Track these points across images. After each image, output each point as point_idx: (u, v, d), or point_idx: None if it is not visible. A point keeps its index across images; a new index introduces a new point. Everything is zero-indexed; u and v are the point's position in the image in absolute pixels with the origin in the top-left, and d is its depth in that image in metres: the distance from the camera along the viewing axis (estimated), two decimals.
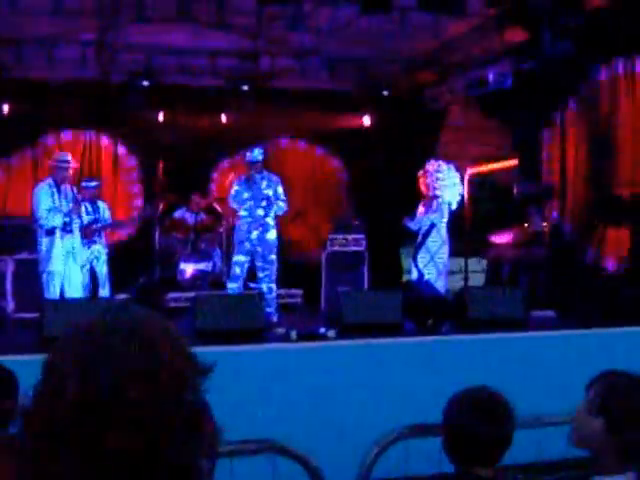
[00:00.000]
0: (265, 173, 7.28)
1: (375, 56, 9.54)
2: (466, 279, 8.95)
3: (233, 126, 10.03)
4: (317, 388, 5.16)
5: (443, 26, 7.85)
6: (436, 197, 7.44)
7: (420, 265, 7.42)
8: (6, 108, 9.04)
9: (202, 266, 8.63)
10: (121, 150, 10.04)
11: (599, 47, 7.49)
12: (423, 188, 7.63)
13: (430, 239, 7.40)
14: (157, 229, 8.78)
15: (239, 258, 7.04)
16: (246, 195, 7.13)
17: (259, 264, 7.00)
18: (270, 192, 7.14)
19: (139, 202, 9.85)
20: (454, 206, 7.68)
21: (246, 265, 6.99)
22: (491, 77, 8.01)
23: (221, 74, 9.74)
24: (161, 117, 9.79)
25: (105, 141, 10.00)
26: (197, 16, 8.29)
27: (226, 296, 6.07)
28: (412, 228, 7.61)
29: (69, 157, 6.89)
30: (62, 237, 6.52)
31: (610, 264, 7.47)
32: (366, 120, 10.34)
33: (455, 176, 7.72)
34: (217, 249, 8.98)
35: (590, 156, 7.74)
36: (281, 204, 7.11)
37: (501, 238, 8.65)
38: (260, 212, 7.12)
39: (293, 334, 5.48)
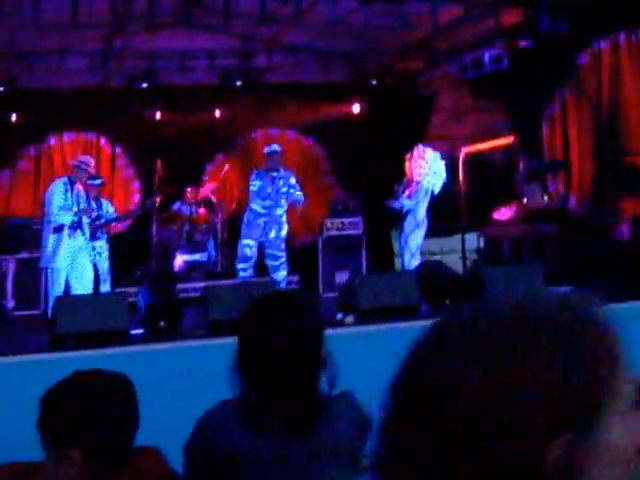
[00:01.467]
0: (282, 172, 7.27)
1: (366, 48, 9.43)
2: (464, 258, 8.88)
3: (226, 120, 9.95)
4: (339, 377, 5.01)
5: (438, 12, 7.71)
6: (416, 182, 7.58)
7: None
8: (14, 117, 9.23)
9: (197, 257, 8.45)
10: (119, 149, 9.99)
11: (597, 22, 7.39)
12: (407, 171, 7.74)
13: (405, 222, 7.63)
14: (154, 222, 8.62)
15: (248, 242, 7.03)
16: (264, 186, 7.11)
17: (273, 252, 7.00)
18: (285, 189, 7.19)
19: (137, 199, 9.77)
20: (437, 191, 7.73)
21: (254, 249, 6.98)
22: (487, 59, 7.88)
23: (216, 73, 9.69)
24: (158, 116, 9.77)
25: (104, 141, 9.94)
26: (195, 20, 8.21)
27: (237, 285, 5.89)
28: (395, 207, 7.69)
29: (92, 162, 6.93)
30: (70, 235, 6.34)
31: (626, 232, 7.37)
32: (356, 108, 10.25)
33: (440, 164, 7.78)
34: (211, 240, 8.81)
35: (595, 128, 7.65)
36: (298, 194, 7.15)
37: (502, 215, 8.58)
38: (279, 211, 7.15)
39: None
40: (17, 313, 7.17)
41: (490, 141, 9.66)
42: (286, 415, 1.57)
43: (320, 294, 7.89)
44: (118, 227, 9.02)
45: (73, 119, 9.69)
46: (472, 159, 9.53)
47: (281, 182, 7.22)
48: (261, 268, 7.29)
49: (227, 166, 9.22)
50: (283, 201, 7.20)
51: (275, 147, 7.35)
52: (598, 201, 7.76)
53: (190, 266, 8.27)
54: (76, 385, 1.65)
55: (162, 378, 4.67)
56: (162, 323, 5.15)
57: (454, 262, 8.82)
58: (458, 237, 9.34)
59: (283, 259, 7.06)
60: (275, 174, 7.16)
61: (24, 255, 8.00)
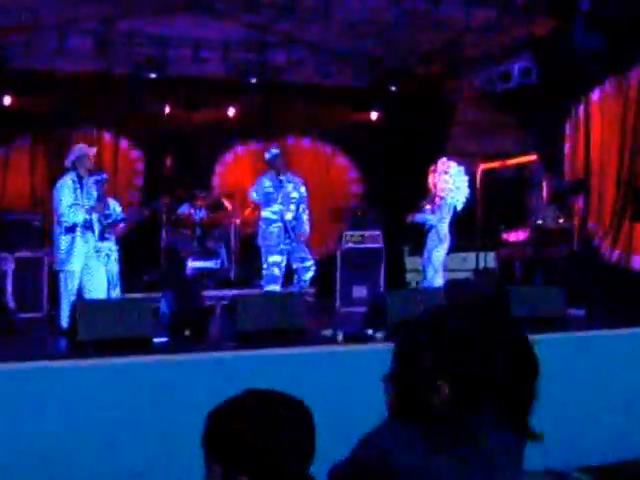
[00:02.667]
0: (290, 175, 7.19)
1: (388, 50, 9.32)
2: (480, 276, 8.80)
3: (240, 120, 9.75)
4: (368, 394, 4.87)
5: (470, 14, 7.61)
6: (440, 197, 7.49)
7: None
8: (8, 100, 8.62)
9: (210, 264, 8.28)
10: (124, 143, 9.66)
11: (631, 42, 7.33)
12: (430, 185, 7.69)
13: (429, 238, 7.56)
14: (163, 226, 8.43)
15: (275, 259, 6.85)
16: (271, 191, 6.99)
17: (300, 255, 6.86)
18: (296, 194, 7.10)
19: (141, 197, 9.50)
20: (459, 207, 7.65)
21: (283, 264, 6.80)
22: (516, 71, 7.79)
23: (230, 66, 9.45)
24: (167, 110, 9.46)
25: (107, 134, 9.61)
26: (206, 6, 7.99)
27: (266, 296, 5.75)
28: (418, 221, 7.62)
29: (86, 146, 6.53)
30: (83, 234, 6.10)
31: (637, 262, 7.33)
32: (373, 116, 10.13)
33: (464, 179, 7.72)
34: (223, 247, 8.64)
35: (618, 151, 7.58)
36: (306, 227, 7.16)
37: (515, 236, 8.51)
38: (289, 216, 7.02)
39: (340, 336, 5.17)
40: (19, 316, 6.86)
41: (510, 159, 9.58)
42: (503, 441, 1.39)
43: (338, 308, 7.74)
44: (123, 229, 8.78)
45: (73, 107, 9.17)
46: (489, 176, 9.47)
47: (290, 186, 7.10)
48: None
49: (238, 171, 9.06)
50: (293, 206, 7.09)
51: (275, 151, 7.26)
52: (610, 227, 7.69)
53: (202, 273, 8.08)
54: (248, 404, 1.49)
55: (190, 391, 4.51)
56: (187, 332, 4.97)
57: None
58: (461, 255, 9.29)
59: (311, 261, 6.97)
60: (283, 177, 7.00)
61: (24, 254, 7.71)
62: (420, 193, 9.64)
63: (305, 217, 7.17)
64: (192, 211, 8.64)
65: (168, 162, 8.88)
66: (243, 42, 9.32)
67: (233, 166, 9.82)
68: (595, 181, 7.89)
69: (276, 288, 6.74)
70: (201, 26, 8.82)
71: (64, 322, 5.90)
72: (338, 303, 7.82)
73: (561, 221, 8.18)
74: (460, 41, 8.52)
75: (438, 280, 7.35)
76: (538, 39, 7.75)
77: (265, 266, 6.99)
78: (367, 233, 8.10)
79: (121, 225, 6.98)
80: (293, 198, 7.08)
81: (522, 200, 10.32)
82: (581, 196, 7.97)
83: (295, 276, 7.07)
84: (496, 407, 1.43)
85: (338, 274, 7.89)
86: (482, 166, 9.03)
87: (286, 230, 6.94)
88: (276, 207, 7.01)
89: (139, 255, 8.38)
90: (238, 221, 8.69)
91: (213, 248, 8.39)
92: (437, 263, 7.40)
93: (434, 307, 1.61)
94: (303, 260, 6.94)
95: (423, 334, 1.48)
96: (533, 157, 9.09)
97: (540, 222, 8.23)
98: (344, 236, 8.06)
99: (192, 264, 8.15)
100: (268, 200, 7.03)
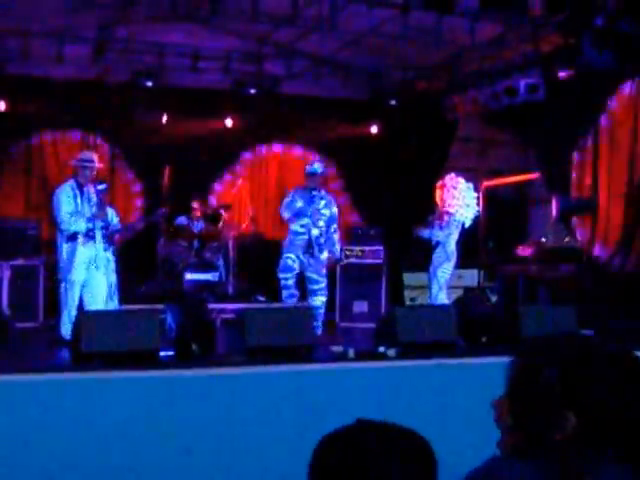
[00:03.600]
0: (323, 192, 7.12)
1: (389, 63, 9.30)
2: (482, 294, 8.74)
3: (238, 131, 9.70)
4: (382, 412, 4.78)
5: (476, 29, 7.59)
6: (448, 214, 7.42)
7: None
8: (3, 105, 8.54)
9: (208, 276, 8.15)
10: (119, 152, 9.56)
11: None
12: (438, 200, 7.63)
13: (435, 254, 7.50)
14: (161, 236, 8.30)
15: (290, 255, 6.89)
16: (302, 206, 6.94)
17: (312, 275, 6.72)
18: (327, 212, 7.01)
19: (139, 208, 9.38)
20: (467, 224, 7.59)
21: (297, 263, 6.75)
22: (522, 87, 7.77)
23: (229, 76, 9.40)
24: (164, 119, 9.38)
25: (102, 142, 9.51)
26: (204, 17, 7.93)
27: (276, 310, 5.63)
28: (424, 236, 7.57)
29: (94, 157, 6.38)
30: (85, 244, 5.97)
31: None
32: (374, 129, 10.09)
33: (472, 196, 7.66)
34: (221, 259, 8.52)
35: (628, 170, 7.57)
36: (337, 247, 7.10)
37: (520, 252, 8.48)
38: (316, 232, 6.94)
39: (351, 352, 5.08)
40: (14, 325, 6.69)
41: (510, 176, 9.57)
42: (620, 478, 1.29)
43: (337, 323, 7.64)
44: (119, 240, 8.65)
45: (68, 114, 9.14)
46: (490, 193, 9.44)
47: (322, 203, 7.02)
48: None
49: (240, 181, 8.96)
50: (322, 222, 6.98)
51: (317, 167, 7.14)
52: (624, 249, 7.66)
53: (199, 286, 7.94)
54: (355, 436, 1.38)
55: (197, 408, 4.40)
56: (194, 346, 4.84)
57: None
58: (457, 272, 9.23)
59: (323, 284, 6.86)
60: (315, 193, 6.89)
61: (19, 262, 7.56)
62: (419, 208, 9.60)
63: (336, 237, 7.11)
64: (190, 223, 8.53)
65: (166, 172, 8.74)
66: (242, 53, 9.30)
67: (231, 177, 9.72)
68: (603, 202, 7.87)
69: (287, 277, 6.81)
70: (199, 36, 8.78)
71: (65, 332, 5.76)
72: (338, 318, 7.74)
73: (567, 240, 8.15)
74: (464, 56, 8.52)
75: (442, 296, 7.31)
76: (545, 55, 7.73)
77: (282, 258, 6.98)
78: (368, 248, 8.03)
79: (116, 237, 6.82)
80: (323, 215, 7.00)
81: (523, 218, 10.31)
82: (587, 215, 7.95)
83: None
84: (618, 442, 1.33)
85: (338, 289, 7.82)
86: (485, 183, 8.99)
87: (310, 245, 6.85)
88: (305, 220, 6.94)
89: (135, 266, 8.25)
90: (236, 233, 8.57)
91: (211, 260, 8.27)
92: (442, 280, 7.36)
93: (564, 331, 1.51)
94: (314, 282, 6.83)
95: (553, 357, 1.37)
96: (535, 175, 9.07)
97: (544, 240, 8.19)
98: (344, 251, 7.97)
99: (190, 276, 8.01)
100: (298, 214, 6.96)
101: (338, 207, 7.16)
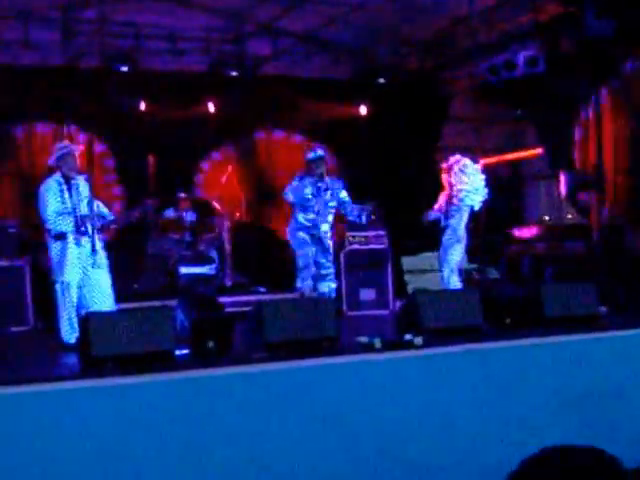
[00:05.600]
0: (328, 180, 6.72)
1: (376, 40, 9.03)
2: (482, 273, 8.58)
3: (221, 116, 9.33)
4: (412, 403, 4.55)
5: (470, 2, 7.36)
6: (457, 198, 7.21)
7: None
8: None
9: (204, 269, 7.82)
10: (98, 144, 9.15)
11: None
12: (445, 184, 7.41)
13: (445, 236, 7.31)
14: (152, 230, 7.95)
15: (306, 251, 6.55)
16: (310, 198, 6.60)
17: (322, 261, 6.48)
18: (334, 203, 6.70)
19: (120, 202, 9.00)
20: (477, 207, 7.39)
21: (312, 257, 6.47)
22: (521, 60, 7.57)
23: (208, 58, 9.04)
24: (143, 106, 8.97)
25: (77, 131, 9.06)
26: None
27: (294, 302, 5.34)
28: (431, 219, 7.35)
29: (70, 143, 5.99)
30: (77, 242, 5.56)
31: None
32: (362, 110, 9.82)
33: (481, 178, 7.43)
34: (215, 251, 8.19)
35: (632, 141, 7.41)
36: (360, 218, 6.71)
37: (521, 233, 8.31)
38: (324, 227, 6.66)
39: (377, 342, 4.82)
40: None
41: (512, 153, 9.39)
42: None
43: (345, 312, 7.38)
44: (111, 233, 8.29)
45: (37, 104, 8.68)
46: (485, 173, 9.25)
47: (328, 194, 6.68)
48: None
49: (230, 168, 8.63)
50: (330, 217, 6.70)
51: (320, 152, 6.78)
52: (631, 221, 7.53)
53: (196, 280, 7.62)
54: (559, 461, 1.16)
55: (220, 409, 4.11)
56: (211, 343, 4.54)
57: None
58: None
59: (331, 269, 6.65)
60: (321, 184, 6.55)
61: (2, 263, 7.21)
62: (412, 191, 9.37)
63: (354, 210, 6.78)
64: (180, 214, 8.18)
65: (149, 162, 8.38)
66: (221, 32, 8.96)
67: (218, 165, 9.39)
68: (609, 175, 7.72)
69: (305, 275, 6.48)
70: (175, 14, 8.41)
71: (67, 336, 5.40)
72: (345, 307, 7.47)
73: (570, 217, 8.00)
74: (457, 30, 8.29)
75: (454, 279, 7.13)
76: (544, 25, 7.53)
77: (298, 256, 6.62)
78: (371, 233, 7.77)
79: (112, 226, 6.42)
80: (331, 207, 6.69)
81: (518, 197, 10.16)
82: (594, 190, 7.79)
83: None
84: None
85: (343, 277, 7.55)
86: (482, 162, 8.78)
87: (320, 241, 6.59)
88: (311, 215, 6.62)
89: (124, 262, 7.88)
90: (230, 223, 8.25)
91: (205, 253, 7.93)
92: (453, 262, 7.18)
93: None
94: (322, 267, 6.56)
95: None
96: (531, 153, 8.89)
97: (548, 218, 8.02)
98: (347, 237, 7.70)
99: (184, 270, 7.68)
100: (305, 206, 6.62)
101: None
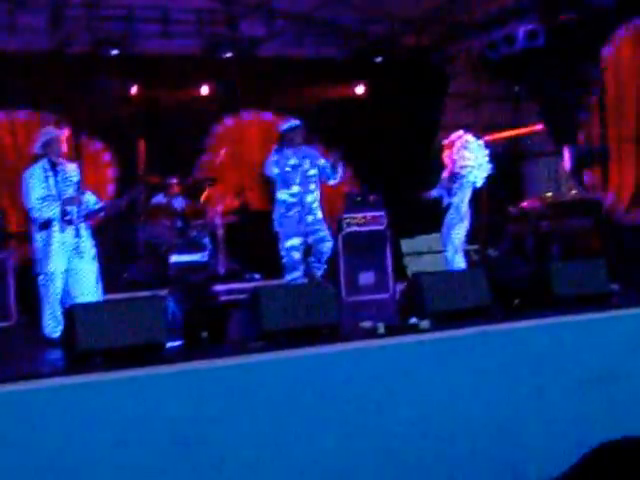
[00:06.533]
0: (304, 149, 6.40)
1: (372, 18, 8.76)
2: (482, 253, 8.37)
3: (214, 99, 9.06)
4: (423, 389, 4.31)
5: None
6: (460, 175, 6.97)
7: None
8: None
9: (196, 257, 7.55)
10: (85, 131, 8.81)
11: None
12: (447, 160, 7.18)
13: (448, 215, 7.09)
14: (140, 218, 7.68)
15: (294, 242, 6.18)
16: (289, 170, 6.27)
17: (314, 227, 6.20)
18: (314, 171, 6.36)
19: (112, 189, 8.70)
20: (479, 184, 7.16)
21: (302, 248, 6.12)
22: (521, 34, 7.31)
23: (202, 41, 8.78)
24: (134, 91, 8.69)
25: (65, 118, 8.70)
26: None
27: (292, 288, 5.09)
28: (432, 196, 7.19)
29: (54, 128, 5.73)
30: (62, 229, 5.30)
31: None
32: (359, 90, 9.54)
33: (484, 154, 7.19)
34: (207, 238, 7.92)
35: (636, 115, 7.16)
36: (334, 174, 6.31)
37: (528, 206, 8.08)
38: (309, 198, 6.32)
39: (381, 327, 4.58)
40: None
41: (505, 131, 9.14)
42: None
43: (344, 297, 7.12)
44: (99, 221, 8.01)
45: (23, 90, 8.39)
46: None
47: (307, 163, 6.35)
48: None
49: (224, 151, 8.35)
50: (313, 185, 6.36)
51: (295, 122, 6.45)
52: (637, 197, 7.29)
53: (187, 268, 7.35)
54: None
55: (215, 402, 3.86)
56: (204, 333, 4.29)
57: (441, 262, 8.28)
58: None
59: (326, 231, 6.35)
60: (300, 154, 6.25)
61: None
62: (412, 171, 9.10)
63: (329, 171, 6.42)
64: (172, 200, 7.90)
65: (140, 147, 8.09)
66: (214, 13, 8.68)
67: (212, 148, 9.10)
68: (614, 150, 7.46)
69: (298, 275, 6.12)
70: None
71: (49, 331, 5.13)
72: (344, 292, 7.20)
73: (574, 192, 7.76)
74: (455, 5, 8.02)
75: (458, 260, 6.89)
76: None
77: (283, 253, 6.28)
78: (369, 215, 7.49)
79: (101, 215, 6.15)
80: (312, 176, 6.35)
81: (516, 174, 9.93)
82: (600, 164, 7.54)
83: (310, 256, 6.35)
84: None
85: (341, 261, 7.26)
86: (485, 138, 8.55)
87: (308, 212, 6.26)
88: (295, 189, 6.27)
89: (112, 251, 7.61)
90: (222, 208, 7.98)
91: (197, 240, 7.66)
92: (457, 242, 6.96)
93: None
94: (316, 231, 6.25)
95: None
96: (536, 127, 8.63)
97: (550, 194, 7.79)
98: (344, 220, 7.42)
99: (176, 258, 7.40)
100: (286, 180, 6.28)
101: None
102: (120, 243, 7.74)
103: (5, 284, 6.70)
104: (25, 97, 8.55)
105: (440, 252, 9.14)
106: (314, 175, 6.37)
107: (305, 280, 6.19)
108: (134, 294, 6.49)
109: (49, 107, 8.64)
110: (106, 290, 6.51)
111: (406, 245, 8.98)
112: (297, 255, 6.15)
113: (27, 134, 8.46)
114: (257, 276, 7.60)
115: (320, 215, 6.42)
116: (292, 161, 6.30)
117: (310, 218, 6.30)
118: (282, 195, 6.31)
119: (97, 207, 5.86)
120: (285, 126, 6.44)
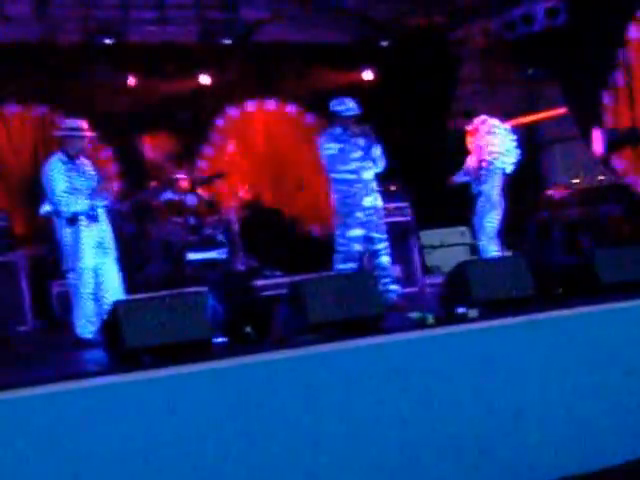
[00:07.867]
0: (356, 129, 6.13)
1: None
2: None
3: (215, 88, 9.07)
4: (473, 379, 4.41)
5: None
6: (487, 162, 7.05)
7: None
8: None
9: (214, 254, 7.59)
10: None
11: None
12: (471, 147, 7.23)
13: (479, 204, 7.13)
14: (150, 215, 7.73)
15: (355, 232, 6.00)
16: (343, 146, 6.06)
17: (376, 235, 6.10)
18: (367, 145, 6.12)
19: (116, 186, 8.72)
20: (509, 170, 7.22)
21: (362, 240, 6.04)
22: (540, 12, 7.40)
23: (199, 27, 8.80)
24: (130, 82, 8.69)
25: (61, 111, 8.73)
26: None
27: (335, 279, 5.15)
28: (458, 180, 7.23)
29: (83, 124, 5.67)
30: (89, 225, 5.38)
31: None
32: (367, 75, 9.59)
33: (511, 139, 7.25)
34: (222, 234, 7.97)
35: None
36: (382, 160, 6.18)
37: (553, 196, 8.19)
38: (367, 175, 6.08)
39: (430, 318, 4.67)
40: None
41: (521, 117, 9.23)
42: None
43: None
44: None
45: (15, 84, 8.34)
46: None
47: (361, 141, 6.12)
48: None
49: (231, 146, 8.40)
50: (370, 162, 6.11)
51: (353, 106, 6.15)
52: None
53: (204, 265, 7.40)
54: None
55: (272, 398, 3.94)
56: (248, 329, 4.36)
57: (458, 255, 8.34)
58: (458, 229, 8.93)
59: (386, 243, 6.16)
60: (350, 133, 6.08)
61: None
62: (427, 159, 9.16)
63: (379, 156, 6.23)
64: (181, 197, 7.94)
65: (145, 142, 8.14)
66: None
67: (219, 140, 9.15)
68: None
69: (352, 266, 6.00)
70: None
71: (81, 331, 5.18)
72: None
73: (601, 178, 7.87)
74: None
75: (492, 248, 6.97)
76: None
77: (343, 241, 6.06)
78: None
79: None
80: (370, 153, 6.08)
81: (533, 161, 10.03)
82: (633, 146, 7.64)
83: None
84: None
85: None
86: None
87: (367, 193, 6.06)
88: (353, 165, 6.05)
89: (126, 250, 7.64)
90: (236, 203, 8.04)
91: (212, 237, 7.70)
92: (490, 230, 7.03)
93: None
94: (374, 241, 6.07)
95: None
96: (555, 112, 8.74)
97: (577, 181, 7.90)
98: None
99: (192, 256, 7.45)
100: (343, 158, 6.05)
101: None
102: (131, 242, 7.77)
103: (19, 288, 6.72)
104: (16, 89, 8.49)
105: (452, 246, 9.28)
106: (370, 152, 6.15)
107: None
108: (153, 294, 6.52)
109: (41, 100, 8.64)
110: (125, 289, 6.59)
111: (424, 238, 9.06)
112: (358, 247, 6.06)
113: (22, 130, 8.52)
114: (278, 273, 7.65)
115: (380, 203, 6.22)
116: (343, 139, 6.11)
117: (368, 200, 6.09)
118: (340, 175, 6.10)
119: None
120: (338, 107, 6.17)
